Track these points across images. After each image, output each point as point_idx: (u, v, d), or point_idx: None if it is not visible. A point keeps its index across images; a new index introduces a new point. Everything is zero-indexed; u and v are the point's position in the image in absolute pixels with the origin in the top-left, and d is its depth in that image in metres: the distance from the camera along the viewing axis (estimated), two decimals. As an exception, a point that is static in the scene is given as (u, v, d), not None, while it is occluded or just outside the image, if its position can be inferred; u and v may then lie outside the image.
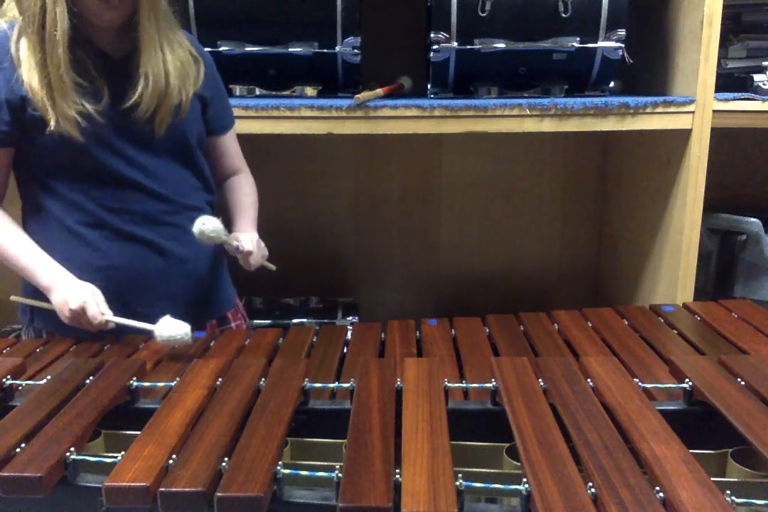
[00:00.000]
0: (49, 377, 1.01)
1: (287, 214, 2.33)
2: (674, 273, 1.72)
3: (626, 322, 1.26)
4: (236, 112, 1.60)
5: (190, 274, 1.36)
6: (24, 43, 1.17)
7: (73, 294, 1.20)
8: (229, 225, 1.39)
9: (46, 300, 1.25)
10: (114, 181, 1.26)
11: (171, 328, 1.15)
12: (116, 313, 1.22)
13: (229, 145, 1.45)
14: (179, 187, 1.33)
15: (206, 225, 1.24)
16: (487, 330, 1.25)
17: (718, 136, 1.66)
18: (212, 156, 1.44)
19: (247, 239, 1.33)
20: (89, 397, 0.93)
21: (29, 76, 1.16)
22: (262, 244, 1.40)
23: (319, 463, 0.85)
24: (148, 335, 1.20)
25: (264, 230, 2.33)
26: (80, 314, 1.19)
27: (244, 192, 1.47)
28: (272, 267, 1.44)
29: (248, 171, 1.50)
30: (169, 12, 1.25)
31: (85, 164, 1.24)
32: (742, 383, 0.92)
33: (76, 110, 1.17)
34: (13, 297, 1.31)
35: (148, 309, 1.25)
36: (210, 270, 1.40)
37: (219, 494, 0.70)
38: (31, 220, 1.31)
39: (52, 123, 1.16)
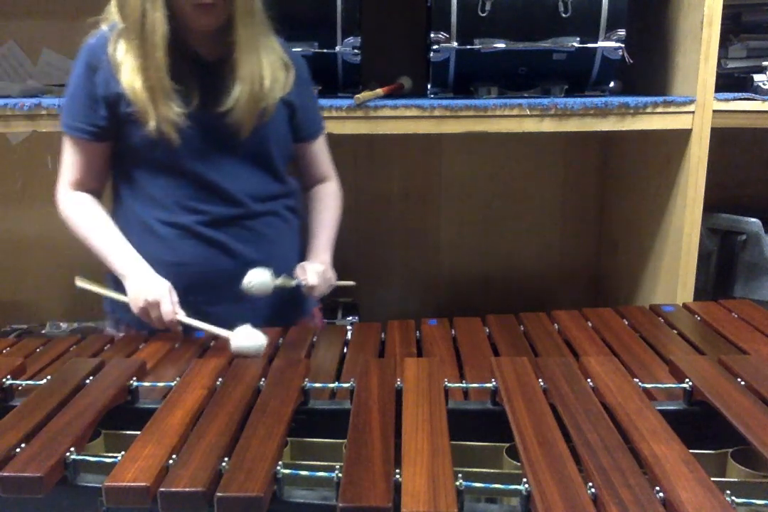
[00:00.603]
0: (49, 377, 1.01)
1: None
2: (674, 273, 1.72)
3: (626, 322, 1.26)
4: (236, 112, 1.60)
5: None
6: (124, 46, 1.21)
7: (151, 287, 1.21)
8: (305, 242, 1.41)
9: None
10: (193, 182, 1.29)
11: (247, 339, 1.12)
12: (182, 309, 1.23)
13: (318, 152, 1.46)
14: (257, 191, 1.34)
15: (252, 283, 1.24)
16: (487, 330, 1.24)
17: (718, 136, 1.66)
18: (301, 162, 1.45)
19: (312, 272, 1.30)
20: (89, 397, 0.93)
21: (131, 79, 1.20)
22: (330, 273, 1.36)
23: (319, 463, 0.85)
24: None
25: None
26: (153, 308, 1.20)
27: (327, 205, 1.46)
28: (350, 283, 1.42)
29: (336, 178, 1.51)
30: (263, 17, 1.27)
31: (169, 163, 1.27)
32: (742, 383, 0.92)
33: (175, 112, 1.21)
34: (78, 283, 1.32)
35: (211, 308, 1.27)
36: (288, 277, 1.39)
37: (219, 494, 0.70)
38: (117, 214, 1.37)
39: (152, 124, 1.20)
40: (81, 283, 1.32)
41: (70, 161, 1.31)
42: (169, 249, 1.30)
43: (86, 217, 1.31)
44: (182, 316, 1.21)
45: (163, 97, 1.20)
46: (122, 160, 1.32)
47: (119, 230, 1.32)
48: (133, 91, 1.20)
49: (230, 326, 1.15)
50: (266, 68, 1.26)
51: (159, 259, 1.29)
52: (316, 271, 1.31)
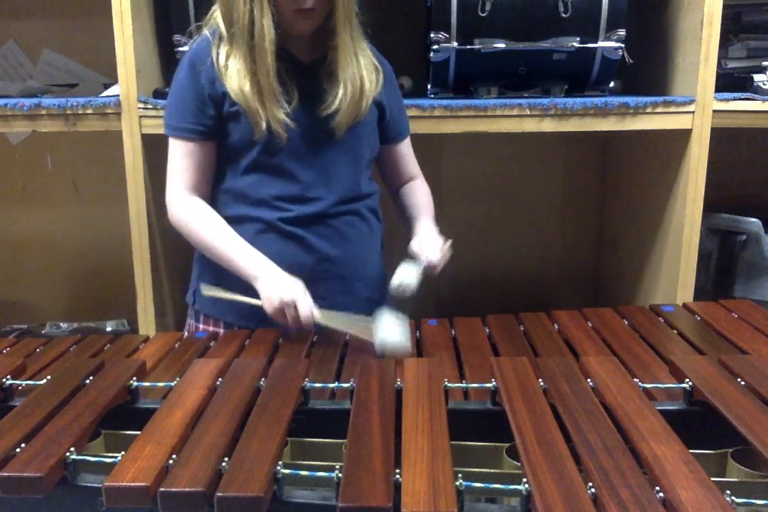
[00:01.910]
0: (49, 377, 1.01)
1: (287, 214, 2.32)
2: (674, 273, 1.72)
3: (626, 322, 1.26)
4: (236, 112, 1.60)
5: (338, 275, 1.36)
6: (228, 50, 1.24)
7: (286, 287, 1.21)
8: (408, 228, 1.43)
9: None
10: (285, 180, 1.31)
11: (394, 334, 1.11)
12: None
13: (406, 152, 1.48)
14: (344, 191, 1.36)
15: (403, 283, 1.24)
16: (487, 330, 1.24)
17: (718, 136, 1.66)
18: (389, 163, 1.48)
19: (432, 248, 1.31)
20: (89, 397, 0.93)
21: (240, 83, 1.23)
22: (443, 243, 1.35)
23: (319, 463, 0.85)
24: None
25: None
26: (289, 307, 1.19)
27: (421, 195, 1.49)
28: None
29: (423, 177, 1.52)
30: (357, 21, 1.29)
31: (264, 161, 1.29)
32: (742, 383, 0.92)
33: (282, 115, 1.23)
34: (204, 291, 1.31)
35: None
36: (364, 278, 1.40)
37: (219, 494, 0.70)
38: None
39: (263, 125, 1.23)
40: (208, 292, 1.31)
41: (181, 165, 1.31)
42: (251, 244, 1.29)
43: (207, 222, 1.30)
44: (318, 315, 1.20)
45: (272, 99, 1.23)
46: (218, 155, 1.33)
47: None
48: (242, 95, 1.23)
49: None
50: (364, 70, 1.30)
51: None
52: (435, 246, 1.31)
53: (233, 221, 1.30)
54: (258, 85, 1.23)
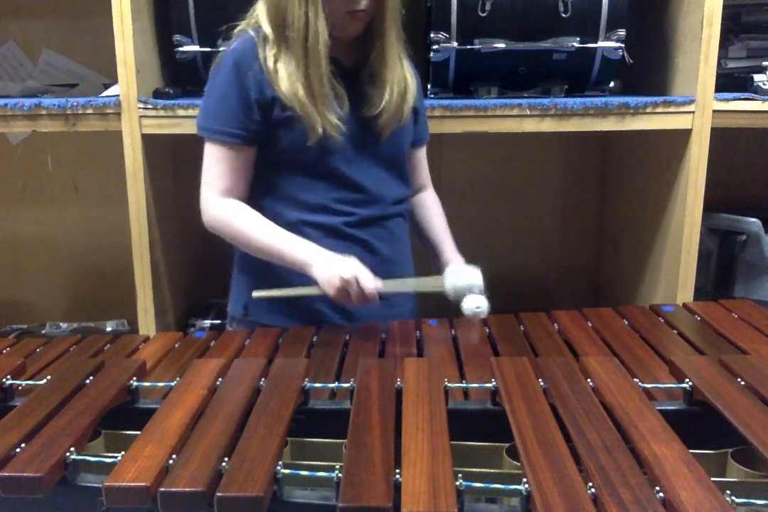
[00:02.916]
0: (49, 377, 1.01)
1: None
2: (674, 273, 1.72)
3: (626, 322, 1.26)
4: (236, 112, 1.60)
5: (399, 277, 1.36)
6: (276, 53, 1.23)
7: (344, 265, 1.20)
8: (429, 249, 1.47)
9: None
10: (341, 184, 1.31)
11: (462, 278, 1.15)
12: (327, 309, 1.25)
13: (422, 158, 1.50)
14: (393, 193, 1.37)
15: (473, 285, 1.25)
16: (487, 330, 1.24)
17: (718, 136, 1.66)
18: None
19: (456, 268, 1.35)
20: (89, 397, 0.93)
21: (293, 87, 1.22)
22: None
23: (319, 463, 0.85)
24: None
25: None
26: (351, 284, 1.18)
27: (437, 212, 1.51)
28: None
29: (432, 187, 1.54)
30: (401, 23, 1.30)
31: (318, 166, 1.29)
32: (742, 383, 0.92)
33: (335, 117, 1.23)
34: (255, 294, 1.30)
35: (355, 307, 1.26)
36: (410, 277, 1.42)
37: (219, 494, 0.70)
38: None
39: (319, 129, 1.23)
40: (258, 294, 1.30)
41: (219, 169, 1.29)
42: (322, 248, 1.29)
43: (248, 220, 1.29)
44: (381, 286, 1.21)
45: (325, 103, 1.23)
46: (266, 163, 1.32)
47: None
48: (296, 99, 1.22)
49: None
50: (407, 72, 1.31)
51: None
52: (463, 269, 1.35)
53: (292, 228, 1.29)
54: (311, 89, 1.21)
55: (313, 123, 1.22)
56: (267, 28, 1.24)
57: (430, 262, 1.47)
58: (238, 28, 1.33)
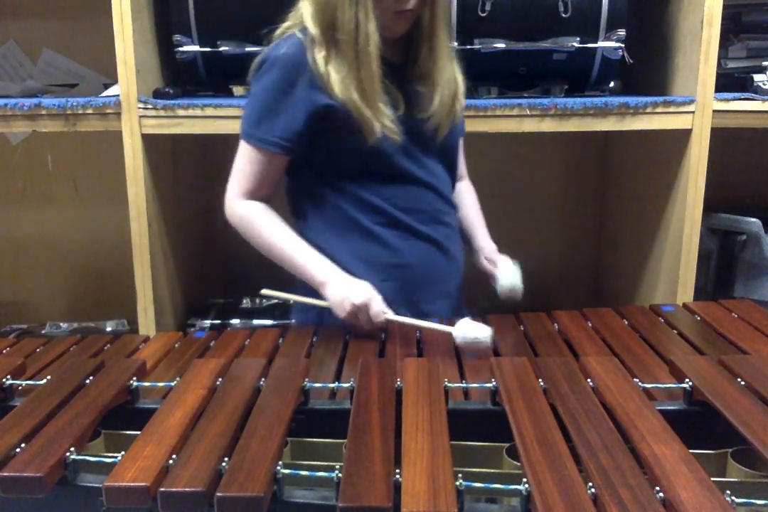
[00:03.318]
0: (49, 377, 1.01)
1: (287, 213, 2.32)
2: (674, 273, 1.72)
3: (626, 322, 1.26)
4: (236, 112, 1.60)
5: (458, 271, 1.38)
6: (326, 55, 1.20)
7: (357, 290, 1.21)
8: (462, 233, 1.46)
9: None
10: (407, 182, 1.30)
11: (472, 330, 1.13)
12: (402, 310, 1.24)
13: (461, 150, 1.50)
14: (447, 187, 1.38)
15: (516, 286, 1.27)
16: (487, 330, 1.24)
17: (718, 136, 1.66)
18: None
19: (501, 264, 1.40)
20: (89, 397, 0.93)
21: (347, 90, 1.20)
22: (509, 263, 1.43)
23: (319, 463, 0.85)
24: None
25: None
26: (362, 310, 1.19)
27: (473, 200, 1.53)
28: None
29: (468, 178, 1.55)
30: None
31: (382, 167, 1.28)
32: (742, 383, 0.92)
33: (390, 119, 1.21)
34: (264, 291, 1.31)
35: (428, 306, 1.29)
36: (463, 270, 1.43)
37: (219, 494, 0.70)
38: (318, 222, 1.34)
39: (377, 130, 1.21)
40: (267, 292, 1.31)
41: (249, 171, 1.28)
42: (391, 250, 1.31)
43: (271, 226, 1.29)
44: (391, 315, 1.21)
45: (380, 105, 1.21)
46: (330, 169, 1.30)
47: (331, 239, 1.31)
48: (351, 102, 1.20)
49: (448, 321, 1.18)
50: (456, 72, 1.30)
51: (382, 262, 1.31)
52: (505, 263, 1.40)
53: (368, 232, 1.29)
54: (364, 91, 1.20)
55: (370, 125, 1.20)
56: (314, 30, 1.21)
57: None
58: (283, 27, 1.29)
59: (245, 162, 1.29)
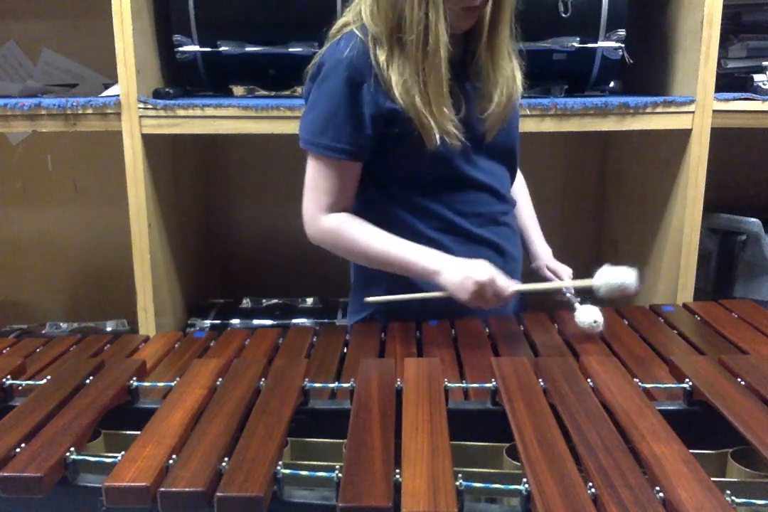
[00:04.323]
0: (49, 377, 1.01)
1: (287, 213, 2.32)
2: (674, 273, 1.72)
3: (626, 322, 1.26)
4: (236, 112, 1.60)
5: (517, 272, 1.36)
6: (385, 57, 1.15)
7: (476, 268, 1.16)
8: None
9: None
10: (466, 186, 1.27)
11: (615, 277, 1.12)
12: (461, 313, 1.23)
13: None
14: (506, 186, 1.36)
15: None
16: (487, 330, 1.24)
17: (718, 136, 1.66)
18: None
19: (565, 274, 1.42)
20: (89, 397, 0.93)
21: (408, 94, 1.15)
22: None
23: (319, 463, 0.85)
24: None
25: (263, 230, 2.33)
26: (487, 286, 1.15)
27: (525, 201, 1.52)
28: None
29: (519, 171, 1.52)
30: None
31: (443, 171, 1.24)
32: (742, 383, 0.92)
33: (453, 123, 1.18)
34: (368, 299, 1.28)
35: (488, 309, 1.24)
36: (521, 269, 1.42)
37: (219, 494, 0.70)
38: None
39: (437, 137, 1.16)
40: (372, 299, 1.28)
41: (325, 185, 1.23)
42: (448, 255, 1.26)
43: (364, 231, 1.24)
44: (518, 285, 1.19)
45: (442, 110, 1.16)
46: (386, 175, 1.27)
47: None
48: (412, 107, 1.15)
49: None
50: (516, 69, 1.27)
51: None
52: (567, 274, 1.41)
53: (421, 237, 1.26)
54: (427, 96, 1.15)
55: (430, 132, 1.16)
56: (376, 29, 1.15)
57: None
58: (339, 24, 1.24)
59: (318, 176, 1.23)
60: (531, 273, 1.46)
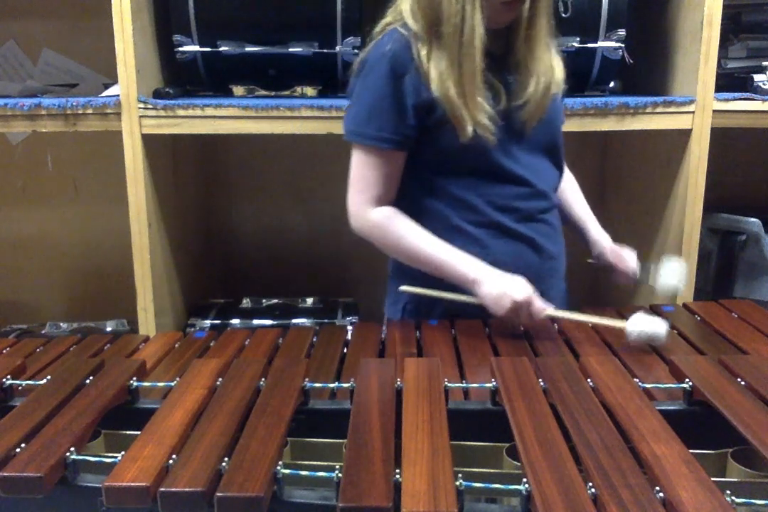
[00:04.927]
0: (49, 377, 1.01)
1: (287, 214, 2.33)
2: (674, 274, 1.72)
3: (626, 322, 1.26)
4: (236, 112, 1.60)
5: (556, 271, 1.37)
6: (427, 51, 1.18)
7: (516, 286, 1.18)
8: (570, 225, 1.47)
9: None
10: (504, 180, 1.27)
11: (648, 325, 1.12)
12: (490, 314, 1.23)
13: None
14: (549, 182, 1.35)
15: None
16: (487, 330, 1.24)
17: (718, 136, 1.66)
18: None
19: (631, 257, 1.42)
20: (89, 397, 0.93)
21: (443, 86, 1.17)
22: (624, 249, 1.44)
23: (319, 463, 0.85)
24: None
25: (264, 230, 2.33)
26: (523, 306, 1.17)
27: (576, 189, 1.51)
28: None
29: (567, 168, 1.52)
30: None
31: (480, 164, 1.25)
32: (742, 383, 0.92)
33: (488, 115, 1.19)
34: (403, 288, 1.29)
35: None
36: (565, 272, 1.43)
37: (219, 494, 0.70)
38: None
39: (469, 129, 1.18)
40: (407, 288, 1.29)
41: (372, 176, 1.24)
42: (482, 249, 1.27)
43: (411, 229, 1.25)
44: (552, 310, 1.20)
45: (477, 102, 1.18)
46: (425, 166, 1.28)
47: None
48: (447, 99, 1.17)
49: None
50: (554, 60, 1.27)
51: None
52: (632, 256, 1.40)
53: (456, 229, 1.26)
54: (462, 87, 1.17)
55: (464, 124, 1.18)
56: (415, 25, 1.19)
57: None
58: (382, 23, 1.27)
59: (364, 167, 1.25)
60: (589, 260, 1.49)
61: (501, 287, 1.18)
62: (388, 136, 1.22)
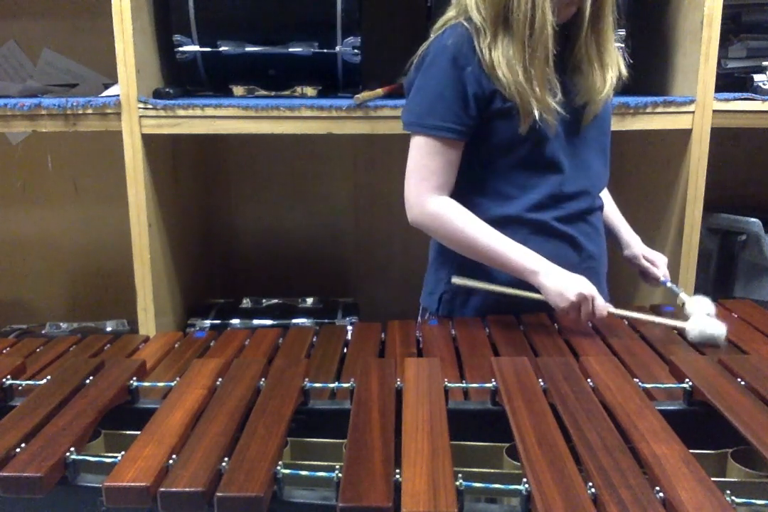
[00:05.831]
0: (49, 377, 1.01)
1: (287, 213, 2.33)
2: (674, 273, 1.72)
3: (626, 322, 1.26)
4: (236, 112, 1.60)
5: (596, 272, 1.36)
6: (488, 42, 1.19)
7: (580, 282, 1.20)
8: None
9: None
10: (555, 176, 1.27)
11: (708, 327, 1.13)
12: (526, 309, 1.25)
13: None
14: (598, 182, 1.35)
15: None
16: (487, 330, 1.24)
17: (718, 136, 1.66)
18: None
19: (664, 263, 1.42)
20: (89, 397, 0.93)
21: (511, 70, 1.18)
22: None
23: (319, 463, 0.85)
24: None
25: (264, 230, 2.33)
26: (586, 302, 1.18)
27: (607, 195, 1.51)
28: None
29: None
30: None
31: (535, 156, 1.25)
32: (742, 383, 0.92)
33: (551, 104, 1.20)
34: (455, 279, 1.29)
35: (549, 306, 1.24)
36: (607, 273, 1.42)
37: (219, 494, 0.70)
38: None
39: (535, 113, 1.18)
40: (459, 280, 1.29)
41: (433, 165, 1.25)
42: (522, 244, 1.26)
43: (470, 221, 1.24)
44: (613, 309, 1.21)
45: (545, 87, 1.19)
46: (472, 158, 1.28)
47: None
48: (514, 83, 1.18)
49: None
50: (617, 55, 1.28)
51: None
52: (662, 260, 1.42)
53: (497, 225, 1.25)
54: (529, 72, 1.18)
55: (530, 108, 1.18)
56: (480, 18, 1.20)
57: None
58: (444, 18, 1.27)
59: (424, 157, 1.25)
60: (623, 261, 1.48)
61: (564, 281, 1.20)
62: (450, 126, 1.22)
